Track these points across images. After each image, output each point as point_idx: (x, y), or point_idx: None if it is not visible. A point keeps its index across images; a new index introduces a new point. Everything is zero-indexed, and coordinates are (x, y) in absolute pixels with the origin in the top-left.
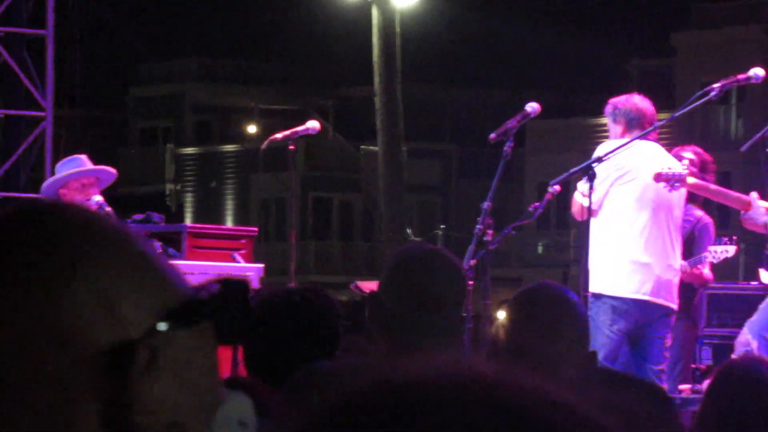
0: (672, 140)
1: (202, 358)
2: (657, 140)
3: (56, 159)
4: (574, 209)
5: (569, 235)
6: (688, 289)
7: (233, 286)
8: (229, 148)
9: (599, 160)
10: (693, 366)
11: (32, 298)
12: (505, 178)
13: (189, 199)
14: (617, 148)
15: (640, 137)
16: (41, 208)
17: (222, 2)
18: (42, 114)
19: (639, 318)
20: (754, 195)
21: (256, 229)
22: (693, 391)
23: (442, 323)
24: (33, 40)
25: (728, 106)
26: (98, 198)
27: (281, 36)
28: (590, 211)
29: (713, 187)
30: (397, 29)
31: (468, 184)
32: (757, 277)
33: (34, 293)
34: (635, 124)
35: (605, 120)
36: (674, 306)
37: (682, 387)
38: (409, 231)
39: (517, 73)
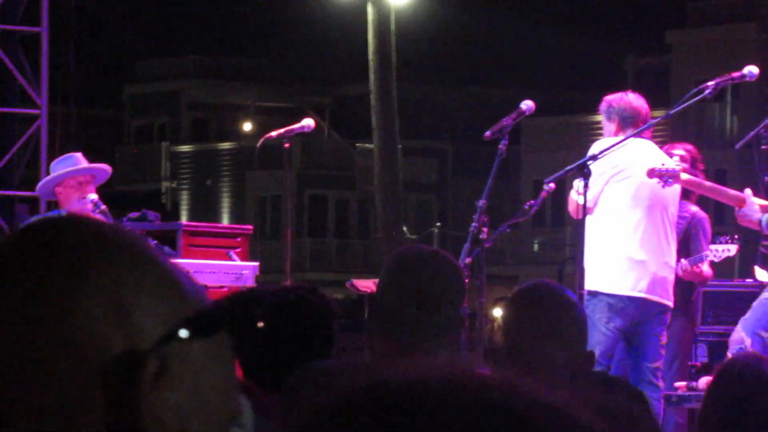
0: (667, 137)
1: (217, 369)
2: (652, 138)
3: (51, 157)
4: (570, 207)
5: (565, 233)
6: (686, 286)
7: (242, 301)
8: (225, 145)
9: (594, 158)
10: (689, 363)
11: (45, 306)
12: (501, 175)
13: (185, 197)
14: (612, 146)
15: (634, 135)
16: (58, 221)
17: (219, 0)
18: (37, 112)
19: (635, 315)
20: (748, 192)
21: (251, 227)
22: (689, 389)
23: (442, 323)
24: (28, 37)
25: (723, 104)
26: (93, 196)
27: (277, 34)
28: (585, 209)
29: (707, 183)
30: (393, 27)
31: (464, 182)
32: (752, 275)
33: (46, 301)
34: (629, 122)
35: (601, 117)
36: (670, 303)
37: (677, 384)
38: (405, 229)
39: (513, 70)
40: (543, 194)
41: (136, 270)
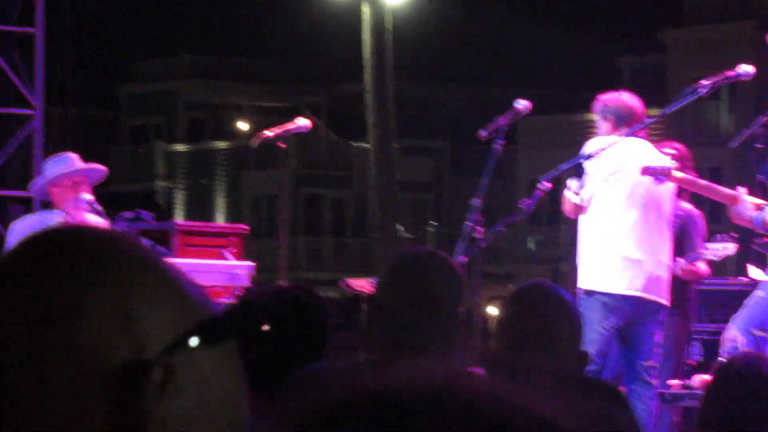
0: (663, 136)
1: (224, 377)
2: (647, 137)
3: (46, 157)
4: (565, 207)
5: (560, 232)
6: (681, 284)
7: (248, 307)
8: (221, 145)
9: (589, 157)
10: (684, 361)
11: (51, 313)
12: (497, 174)
13: (180, 197)
14: (607, 146)
15: (629, 134)
16: (66, 231)
17: (215, 0)
18: (32, 112)
19: (630, 314)
20: (742, 190)
21: (246, 226)
22: (683, 387)
23: (442, 324)
24: (23, 37)
25: (719, 102)
26: (88, 196)
27: (273, 34)
28: (580, 209)
29: (701, 181)
30: (388, 26)
31: (460, 181)
32: (746, 273)
33: (53, 308)
34: (624, 122)
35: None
36: (665, 302)
37: (671, 382)
38: (401, 228)
39: (508, 69)
40: (538, 193)
41: (142, 278)
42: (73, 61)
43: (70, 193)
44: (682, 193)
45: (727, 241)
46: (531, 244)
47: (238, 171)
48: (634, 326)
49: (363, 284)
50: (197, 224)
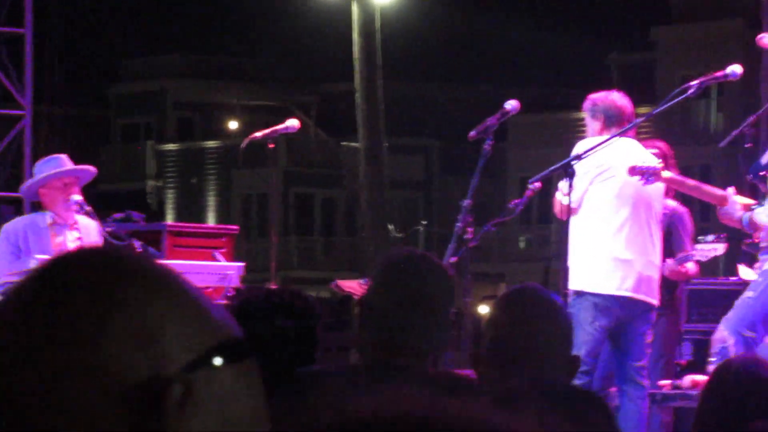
0: (652, 134)
1: (245, 395)
2: (636, 136)
3: (36, 157)
4: (557, 209)
5: (551, 230)
6: (670, 284)
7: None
8: (211, 144)
9: (578, 157)
10: (674, 361)
11: (71, 330)
12: (487, 173)
13: (170, 196)
14: (596, 146)
15: (619, 134)
16: (89, 252)
17: None
18: (21, 113)
19: (620, 315)
20: (730, 191)
21: (237, 227)
22: (674, 387)
23: (434, 326)
24: (12, 38)
25: (708, 101)
26: (78, 197)
27: (263, 33)
28: (570, 209)
29: (690, 181)
30: (378, 26)
31: (450, 179)
32: (736, 273)
33: (73, 325)
34: (614, 122)
35: (586, 115)
36: (655, 302)
37: (662, 382)
38: (391, 227)
39: (498, 68)
40: (528, 193)
41: (162, 296)
42: (63, 61)
43: (60, 194)
44: (667, 191)
45: (716, 241)
46: (522, 243)
47: (228, 170)
48: (625, 327)
49: (353, 285)
50: (188, 225)
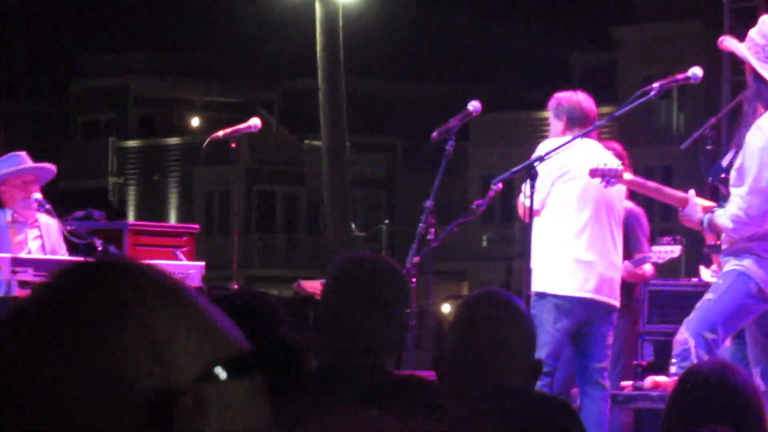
0: (614, 135)
1: (252, 409)
2: (598, 138)
3: None
4: (521, 211)
5: (514, 229)
6: (629, 284)
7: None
8: (173, 141)
9: (540, 159)
10: (635, 362)
11: (81, 340)
12: (450, 171)
13: (132, 193)
14: (558, 147)
15: (581, 135)
16: (100, 263)
17: None
18: None
19: (582, 316)
20: (691, 193)
21: (197, 226)
22: (635, 388)
23: (390, 325)
24: None
25: (670, 101)
26: (38, 195)
27: (225, 29)
28: (533, 211)
29: (650, 184)
30: (340, 23)
31: (413, 177)
32: (698, 274)
33: (84, 335)
34: (577, 122)
35: (548, 114)
36: (617, 303)
37: (623, 383)
38: (353, 226)
39: (460, 66)
40: (490, 194)
41: (172, 307)
42: (23, 55)
43: (20, 192)
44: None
45: (671, 243)
46: (485, 242)
47: (190, 167)
48: (587, 328)
49: (316, 286)
50: (149, 224)
